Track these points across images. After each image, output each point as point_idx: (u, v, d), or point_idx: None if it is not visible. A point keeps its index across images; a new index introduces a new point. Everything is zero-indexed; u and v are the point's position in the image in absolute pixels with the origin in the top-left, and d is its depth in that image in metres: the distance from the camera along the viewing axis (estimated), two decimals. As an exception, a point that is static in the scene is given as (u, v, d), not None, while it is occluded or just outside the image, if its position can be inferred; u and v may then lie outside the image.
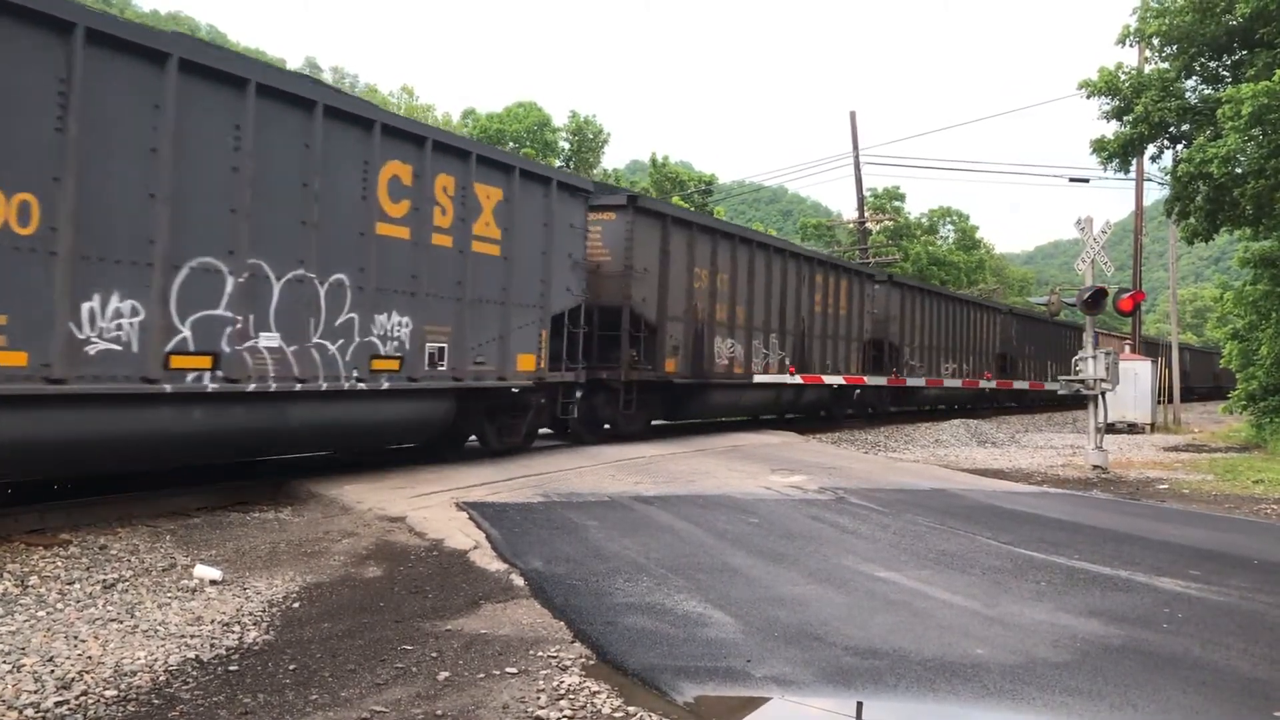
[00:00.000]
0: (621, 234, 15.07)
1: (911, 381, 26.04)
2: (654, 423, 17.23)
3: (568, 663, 4.97)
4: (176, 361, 7.98)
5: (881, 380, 24.44)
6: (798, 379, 19.98)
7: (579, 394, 13.99)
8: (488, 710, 4.32)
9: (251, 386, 8.58)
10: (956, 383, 29.08)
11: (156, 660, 4.76)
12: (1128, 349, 29.10)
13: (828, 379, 21.44)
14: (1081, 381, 15.68)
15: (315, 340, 9.29)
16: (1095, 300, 15.77)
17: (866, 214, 44.98)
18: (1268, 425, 22.38)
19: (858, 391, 23.81)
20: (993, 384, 31.52)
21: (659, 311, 15.68)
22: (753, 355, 18.60)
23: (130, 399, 7.69)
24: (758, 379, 18.65)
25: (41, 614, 5.38)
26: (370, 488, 9.73)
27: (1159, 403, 27.90)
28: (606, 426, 15.46)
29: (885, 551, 8.04)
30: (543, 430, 14.37)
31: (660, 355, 15.73)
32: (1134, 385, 25.27)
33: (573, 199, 13.30)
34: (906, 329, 26.17)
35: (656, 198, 36.18)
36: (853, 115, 40.15)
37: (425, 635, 5.37)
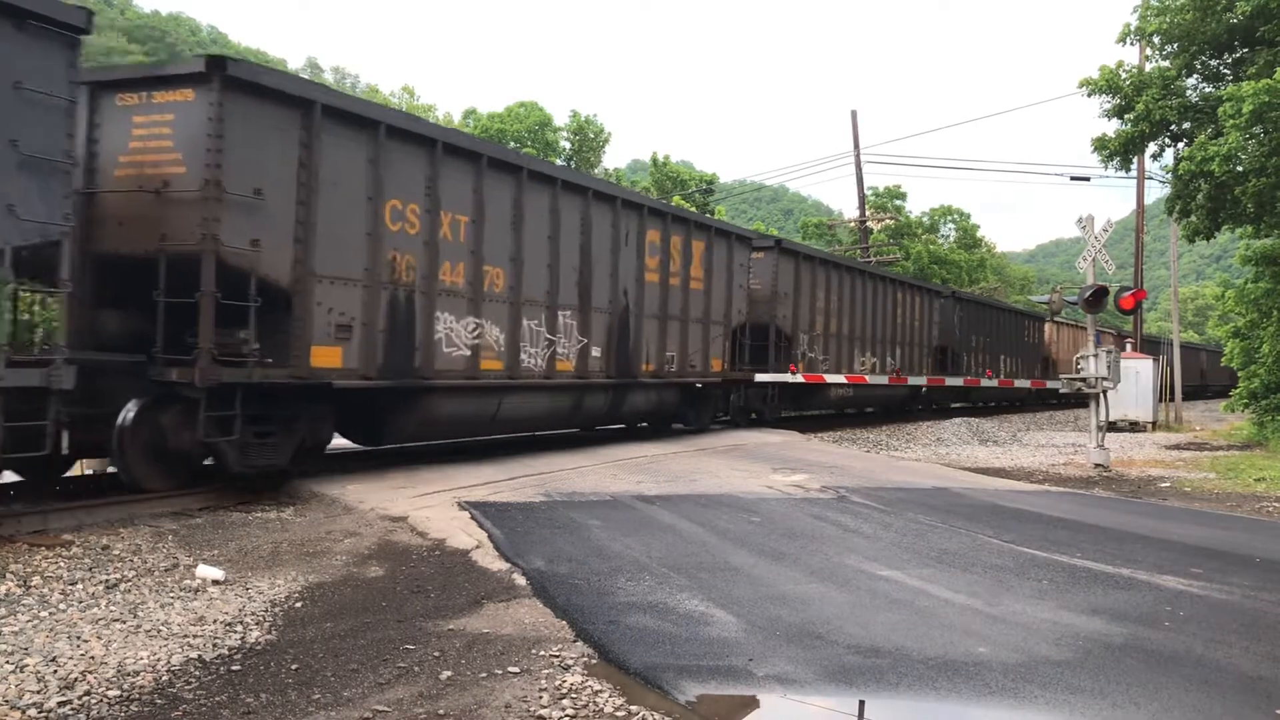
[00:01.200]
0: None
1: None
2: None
3: (570, 662, 4.97)
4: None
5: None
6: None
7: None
8: (490, 709, 4.32)
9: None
10: (882, 379, 24.62)
11: (159, 660, 4.77)
12: (1129, 346, 29.09)
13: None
14: (1083, 380, 15.67)
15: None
16: (1097, 299, 15.75)
17: (868, 213, 44.96)
18: (1269, 423, 22.37)
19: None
20: (922, 380, 26.31)
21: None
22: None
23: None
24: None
25: (44, 614, 5.39)
26: (372, 487, 9.73)
27: (1160, 401, 27.89)
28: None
29: (887, 550, 8.04)
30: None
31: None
32: (1135, 383, 25.25)
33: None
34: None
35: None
36: (854, 114, 40.15)
37: (427, 635, 5.38)
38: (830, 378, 21.66)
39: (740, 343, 18.80)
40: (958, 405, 31.97)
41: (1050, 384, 32.11)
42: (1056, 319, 37.24)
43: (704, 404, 17.97)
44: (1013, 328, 34.93)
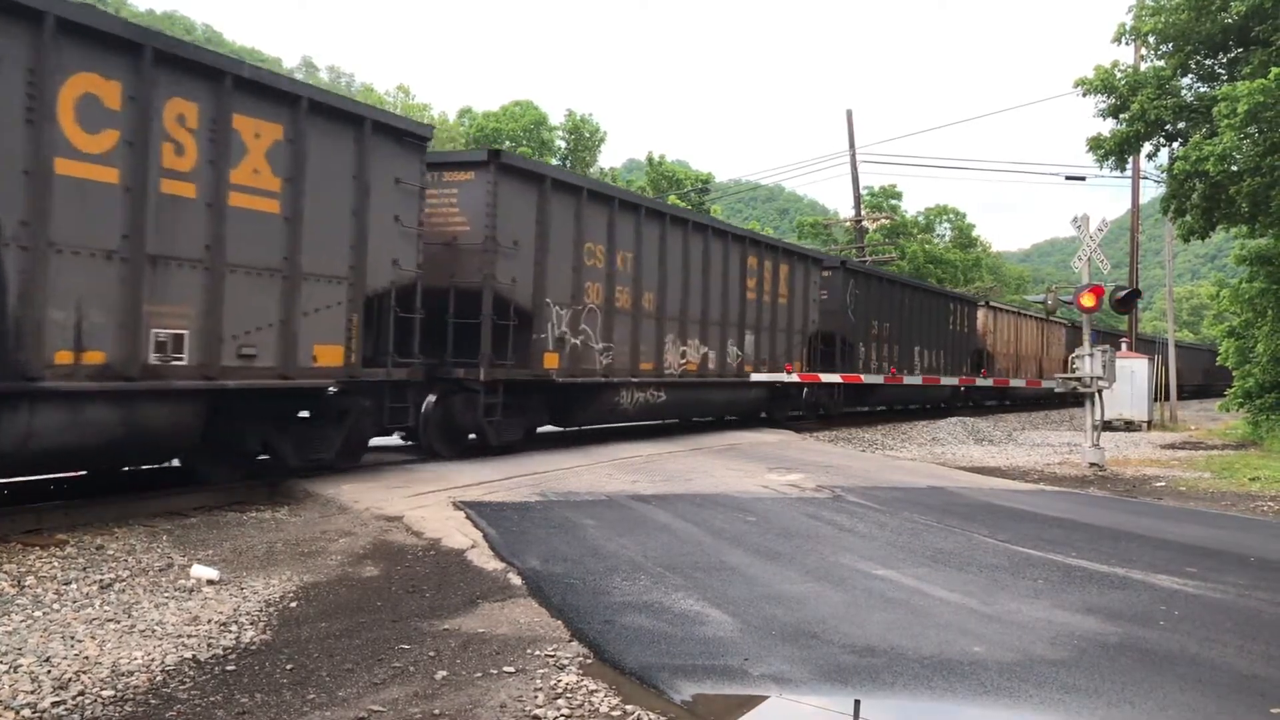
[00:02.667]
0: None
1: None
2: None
3: (565, 661, 4.97)
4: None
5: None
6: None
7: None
8: (485, 709, 4.32)
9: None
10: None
11: (153, 660, 4.75)
12: (1124, 346, 29.13)
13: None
14: (1078, 379, 15.70)
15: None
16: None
17: (863, 212, 44.98)
18: (1264, 422, 22.42)
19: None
20: (793, 377, 20.42)
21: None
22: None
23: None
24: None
25: (38, 614, 5.37)
26: (367, 487, 9.72)
27: (1155, 400, 27.94)
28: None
29: (882, 549, 8.05)
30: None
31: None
32: (1130, 383, 25.29)
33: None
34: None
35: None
36: (849, 114, 40.20)
37: (423, 634, 5.37)
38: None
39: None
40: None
41: (980, 382, 30.45)
42: (993, 304, 35.10)
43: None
44: (930, 311, 29.61)
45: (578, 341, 13.72)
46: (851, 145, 40.11)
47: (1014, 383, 33.25)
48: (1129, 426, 25.88)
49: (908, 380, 24.92)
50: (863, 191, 45.44)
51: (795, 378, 20.11)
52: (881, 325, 24.90)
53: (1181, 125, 19.82)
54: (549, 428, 14.80)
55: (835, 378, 21.47)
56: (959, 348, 30.54)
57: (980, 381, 30.27)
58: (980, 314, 32.39)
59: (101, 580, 6.13)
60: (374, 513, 8.70)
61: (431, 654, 5.03)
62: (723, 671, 4.97)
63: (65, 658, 4.69)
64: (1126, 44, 20.92)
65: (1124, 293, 18.35)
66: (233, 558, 6.98)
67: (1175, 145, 20.39)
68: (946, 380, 27.81)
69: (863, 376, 22.71)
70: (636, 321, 15.12)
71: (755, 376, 18.81)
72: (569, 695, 4.49)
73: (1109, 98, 19.93)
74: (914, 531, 8.94)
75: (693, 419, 19.34)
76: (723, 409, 19.68)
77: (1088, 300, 15.59)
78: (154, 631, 5.19)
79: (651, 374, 15.56)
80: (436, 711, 4.27)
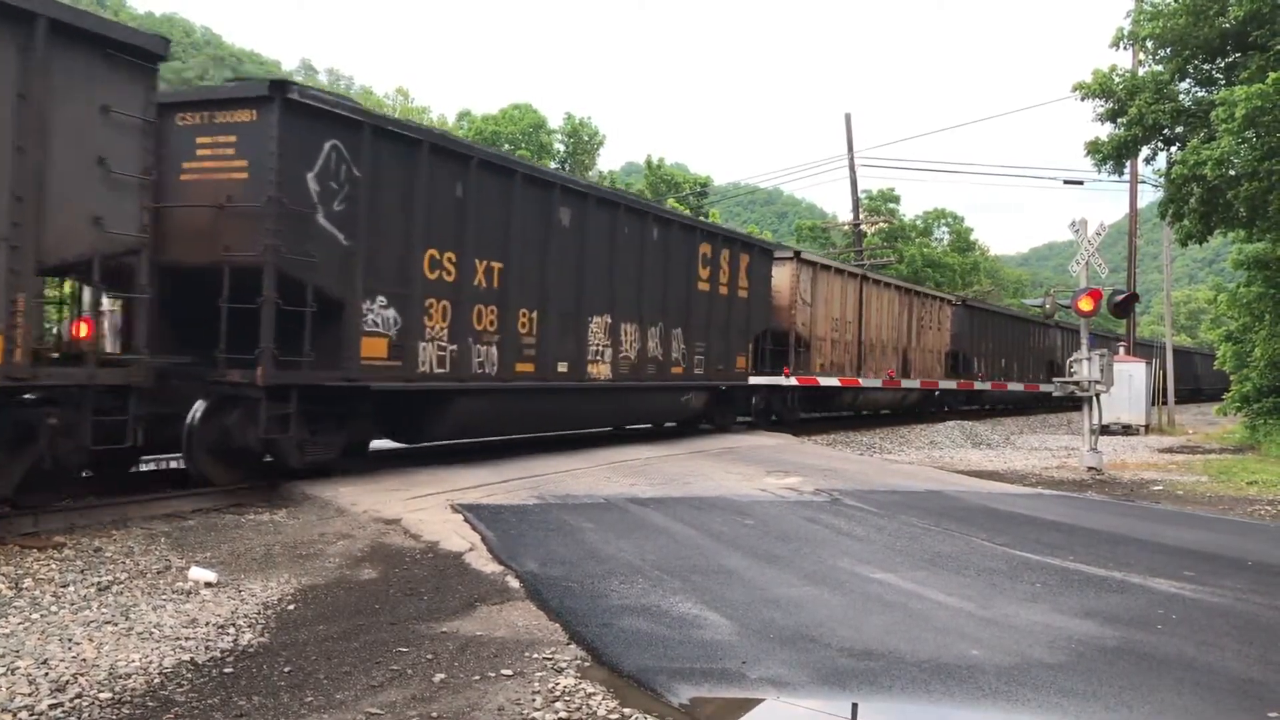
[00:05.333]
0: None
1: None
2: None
3: (563, 665, 4.97)
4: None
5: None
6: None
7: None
8: (483, 712, 4.31)
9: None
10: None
11: (151, 663, 4.75)
12: (1121, 350, 29.16)
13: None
14: (1076, 383, 15.71)
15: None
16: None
17: (861, 216, 45.03)
18: (1261, 426, 22.45)
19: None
20: (791, 380, 20.66)
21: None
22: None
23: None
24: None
25: (36, 616, 5.37)
26: (365, 490, 9.72)
27: (1153, 404, 27.97)
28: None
29: (880, 553, 8.05)
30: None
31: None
32: (1128, 387, 25.32)
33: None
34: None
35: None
36: (848, 117, 40.27)
37: (421, 637, 5.37)
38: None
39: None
40: (968, 408, 32.62)
41: (907, 383, 26.14)
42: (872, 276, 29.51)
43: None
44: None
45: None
46: (850, 148, 40.18)
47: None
48: (1127, 430, 25.91)
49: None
50: (861, 195, 45.49)
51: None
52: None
53: (1179, 129, 19.84)
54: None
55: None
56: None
57: (907, 382, 26.21)
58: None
59: (99, 582, 6.13)
60: (372, 515, 8.70)
61: (429, 657, 5.03)
62: (720, 674, 4.97)
63: (63, 660, 4.68)
64: (1124, 49, 20.97)
65: (1122, 297, 18.34)
66: (231, 560, 6.97)
67: (1173, 149, 20.41)
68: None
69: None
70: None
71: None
72: (567, 698, 4.49)
73: (1107, 102, 19.95)
74: (912, 535, 8.94)
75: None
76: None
77: (1086, 304, 15.62)
78: (152, 634, 5.19)
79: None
80: (434, 714, 4.27)
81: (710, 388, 17.52)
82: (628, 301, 14.65)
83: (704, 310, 16.79)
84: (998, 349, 33.47)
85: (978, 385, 31.02)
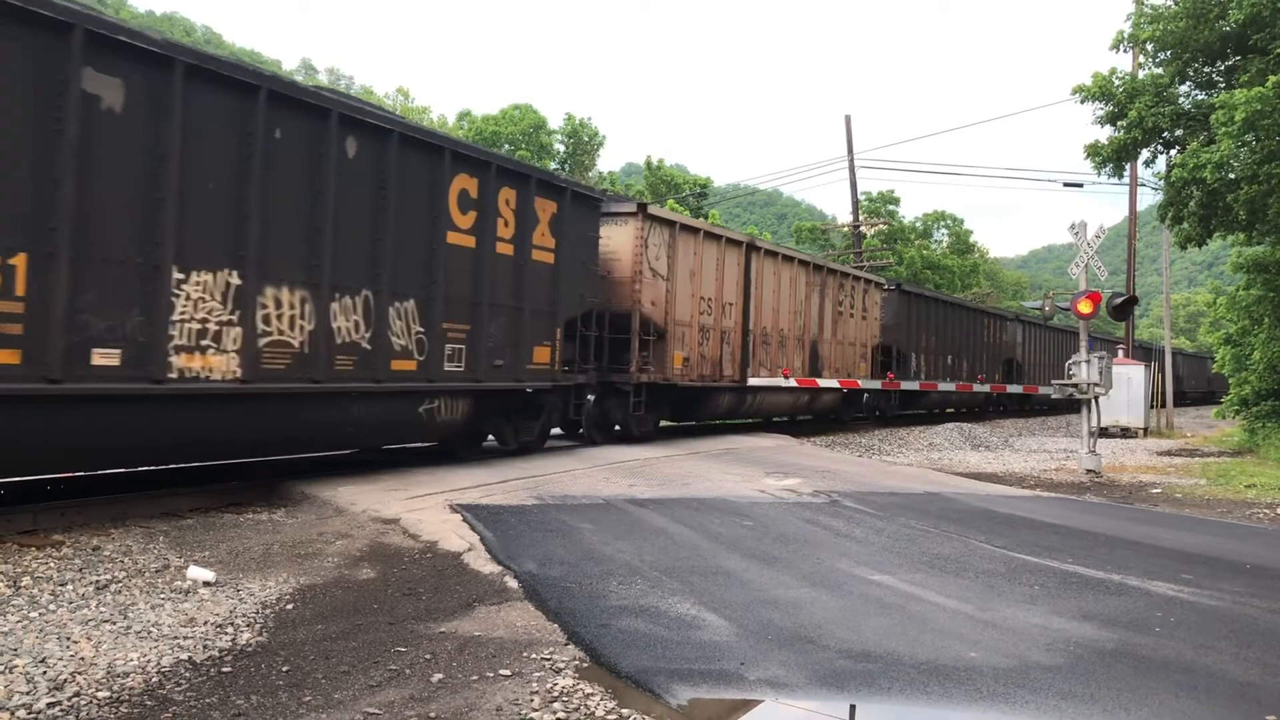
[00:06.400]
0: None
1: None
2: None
3: (561, 665, 4.96)
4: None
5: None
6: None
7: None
8: (481, 712, 4.31)
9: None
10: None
11: (149, 661, 4.75)
12: (1120, 352, 29.18)
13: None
14: (1075, 386, 15.72)
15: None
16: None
17: (861, 218, 45.04)
18: (1260, 430, 22.46)
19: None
20: (789, 380, 19.82)
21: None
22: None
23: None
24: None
25: (34, 615, 5.36)
26: (364, 489, 9.71)
27: (1152, 407, 27.98)
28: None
29: (879, 555, 8.05)
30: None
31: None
32: (1127, 390, 25.34)
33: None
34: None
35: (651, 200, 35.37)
36: (848, 119, 40.26)
37: (419, 637, 5.37)
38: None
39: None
40: (950, 412, 31.54)
41: (824, 382, 21.51)
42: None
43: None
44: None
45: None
46: (850, 150, 40.18)
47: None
48: (1125, 433, 25.93)
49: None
50: (860, 197, 45.50)
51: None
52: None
53: (1179, 132, 19.87)
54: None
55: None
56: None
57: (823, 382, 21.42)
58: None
59: (98, 581, 6.13)
60: (371, 515, 8.70)
61: (428, 657, 5.03)
62: (719, 676, 4.97)
63: (61, 659, 4.68)
64: (1125, 51, 21.04)
65: (1121, 299, 18.38)
66: (229, 559, 6.97)
67: (1173, 152, 20.44)
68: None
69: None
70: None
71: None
72: (565, 699, 4.49)
73: (1107, 105, 19.99)
74: (910, 537, 8.94)
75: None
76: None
77: (1085, 307, 15.64)
78: (150, 633, 5.19)
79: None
80: (432, 714, 4.27)
81: (482, 391, 11.81)
82: (284, 251, 9.14)
83: (465, 276, 11.28)
84: (943, 344, 28.26)
85: (904, 385, 25.46)
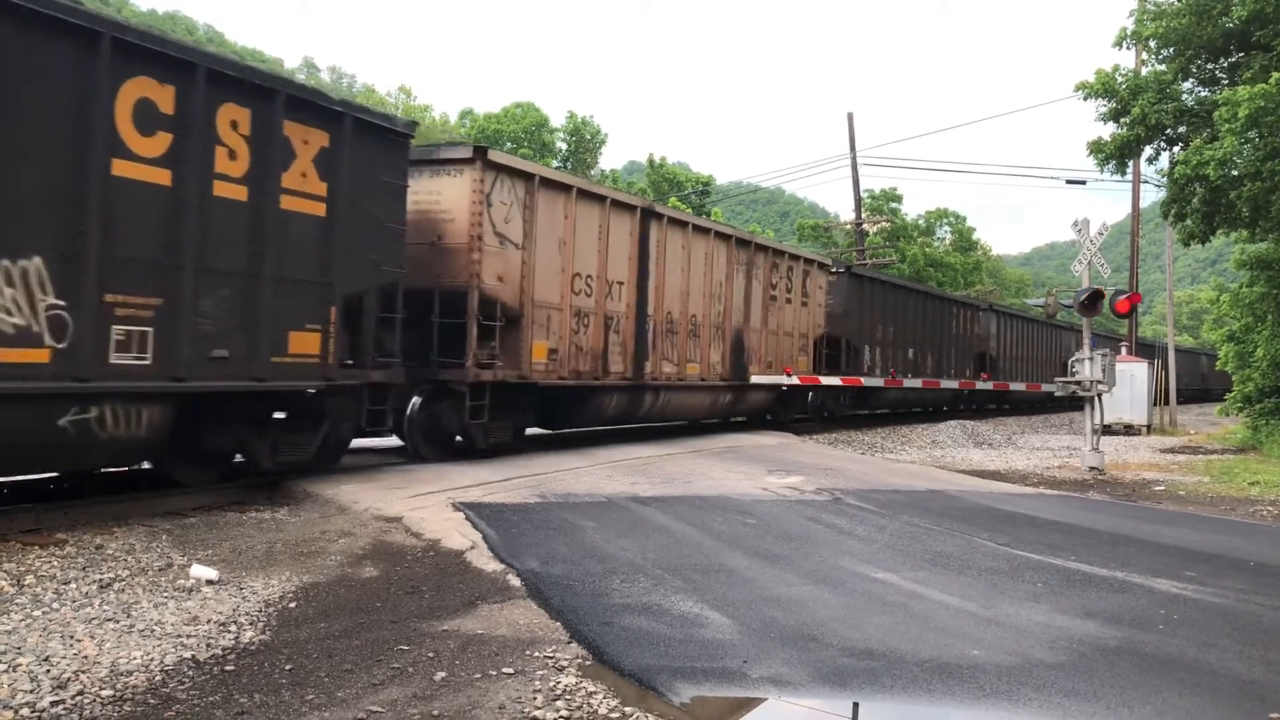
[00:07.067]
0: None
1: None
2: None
3: (564, 663, 4.97)
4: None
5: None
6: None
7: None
8: (484, 710, 4.32)
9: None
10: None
11: (152, 660, 4.76)
12: (1124, 350, 29.14)
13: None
14: (1078, 383, 15.70)
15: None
16: (1092, 302, 15.83)
17: (863, 215, 45.01)
18: (1264, 427, 22.41)
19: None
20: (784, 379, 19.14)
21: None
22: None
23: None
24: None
25: (37, 613, 5.37)
26: (366, 488, 9.72)
27: (1155, 404, 27.96)
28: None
29: (882, 553, 8.05)
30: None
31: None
32: (1130, 387, 25.30)
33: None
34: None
35: (653, 198, 35.33)
36: (850, 117, 40.22)
37: (422, 635, 5.37)
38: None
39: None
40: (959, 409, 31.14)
41: (756, 378, 18.71)
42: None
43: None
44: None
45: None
46: (852, 148, 40.15)
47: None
48: (1128, 431, 25.90)
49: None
50: (863, 194, 45.47)
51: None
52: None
53: (1182, 130, 19.82)
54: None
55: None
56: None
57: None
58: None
59: (101, 580, 6.13)
60: (373, 513, 8.70)
61: (430, 655, 5.03)
62: (722, 674, 4.97)
63: (64, 657, 4.69)
64: (1127, 48, 20.96)
65: (1124, 297, 18.35)
66: (232, 558, 6.98)
67: (1176, 150, 20.39)
68: (760, 379, 18.87)
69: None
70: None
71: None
72: (568, 697, 4.49)
73: (1110, 102, 19.93)
74: (913, 535, 8.94)
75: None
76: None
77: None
78: (153, 631, 5.19)
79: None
80: (435, 712, 4.27)
81: (196, 395, 8.47)
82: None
83: (152, 226, 7.90)
84: (905, 336, 25.59)
85: (827, 381, 21.50)
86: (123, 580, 6.19)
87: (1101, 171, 20.84)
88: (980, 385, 30.26)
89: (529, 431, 14.22)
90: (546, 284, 13.01)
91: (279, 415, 9.61)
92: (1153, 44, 20.19)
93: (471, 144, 12.30)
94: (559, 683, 4.66)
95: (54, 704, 4.16)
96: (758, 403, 19.73)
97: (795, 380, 19.91)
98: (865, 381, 22.93)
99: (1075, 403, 17.86)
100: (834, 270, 23.05)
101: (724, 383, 17.67)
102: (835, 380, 21.75)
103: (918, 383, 25.80)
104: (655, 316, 15.52)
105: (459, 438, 12.38)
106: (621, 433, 16.82)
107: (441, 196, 11.76)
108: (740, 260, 18.17)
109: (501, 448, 12.63)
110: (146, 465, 9.27)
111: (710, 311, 17.15)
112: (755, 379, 18.55)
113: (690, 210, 43.01)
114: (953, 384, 28.35)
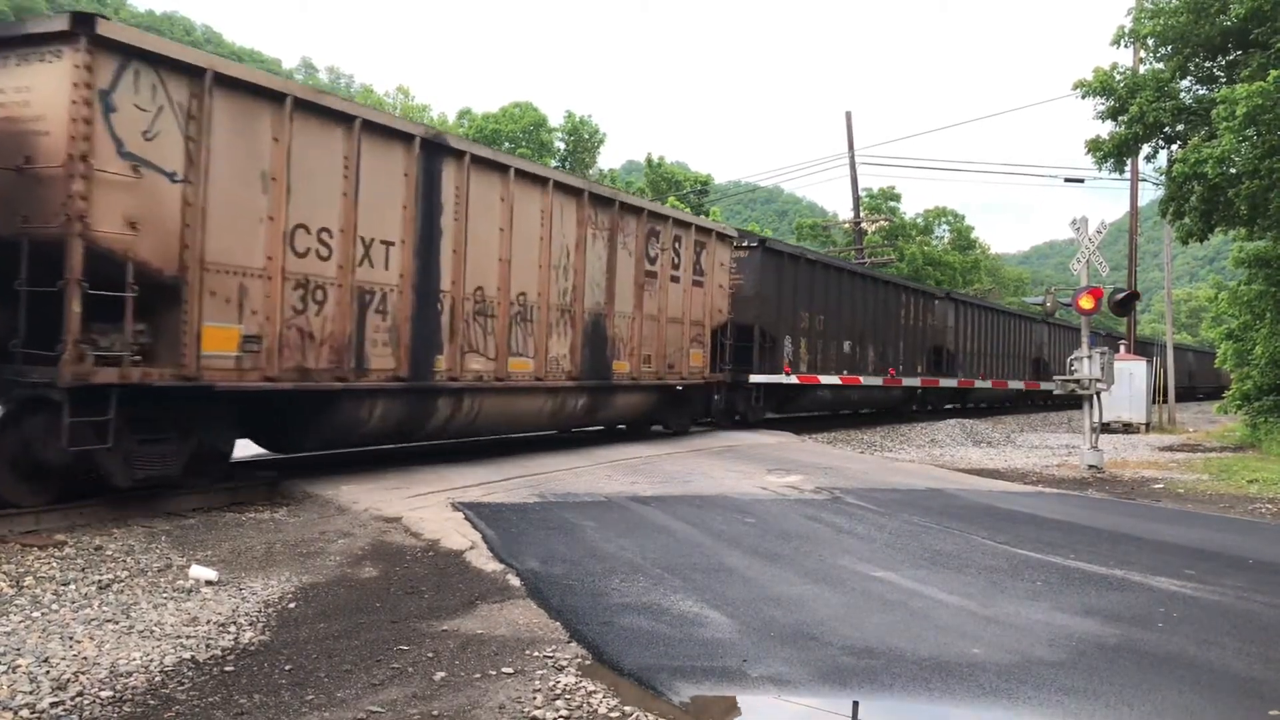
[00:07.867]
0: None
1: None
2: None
3: (564, 663, 4.96)
4: None
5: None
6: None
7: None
8: (484, 710, 4.31)
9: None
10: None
11: (152, 661, 4.75)
12: (1122, 348, 29.16)
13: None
14: (1077, 381, 15.71)
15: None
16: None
17: (862, 214, 45.01)
18: (1262, 425, 22.43)
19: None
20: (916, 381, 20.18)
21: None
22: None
23: None
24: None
25: (37, 615, 5.37)
26: (366, 488, 9.72)
27: (1154, 402, 27.97)
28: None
29: (881, 551, 8.05)
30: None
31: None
32: (1129, 385, 25.32)
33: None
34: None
35: (652, 198, 35.26)
36: (848, 115, 40.24)
37: (421, 635, 5.37)
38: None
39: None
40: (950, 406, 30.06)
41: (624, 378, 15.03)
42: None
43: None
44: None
45: None
46: (850, 147, 40.16)
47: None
48: (1127, 429, 25.91)
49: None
50: (861, 193, 45.46)
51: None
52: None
53: (1180, 128, 19.85)
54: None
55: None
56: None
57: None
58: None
59: (100, 581, 6.13)
60: (373, 514, 8.70)
61: (430, 655, 5.03)
62: (721, 673, 4.96)
63: (64, 658, 4.69)
64: (1125, 47, 20.97)
65: (1122, 295, 18.37)
66: (231, 558, 6.97)
67: (1174, 148, 20.41)
68: (623, 379, 14.81)
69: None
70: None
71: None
72: (568, 696, 4.49)
73: (1108, 100, 19.95)
74: (913, 533, 8.94)
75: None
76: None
77: (1087, 302, 15.63)
78: (152, 632, 5.19)
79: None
80: (435, 712, 4.27)
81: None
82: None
83: None
84: (839, 325, 22.29)
85: (754, 378, 18.88)
86: (122, 581, 6.19)
87: (1100, 170, 20.87)
88: (944, 383, 27.89)
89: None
90: (236, 238, 8.66)
91: None
92: (1151, 42, 20.21)
93: (71, 12, 7.43)
94: (559, 682, 4.66)
95: (54, 705, 4.16)
96: (632, 407, 15.63)
97: (688, 379, 16.37)
98: (756, 379, 19.02)
99: (1063, 401, 17.84)
100: (742, 244, 19.04)
101: (574, 383, 13.50)
102: (759, 378, 18.88)
103: (859, 378, 22.92)
104: (453, 293, 11.29)
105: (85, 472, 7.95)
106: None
107: (32, 95, 7.51)
108: (599, 224, 14.01)
109: (168, 482, 8.43)
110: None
111: (551, 289, 12.99)
112: (622, 379, 14.63)
113: (689, 210, 42.82)
114: (915, 381, 26.04)
